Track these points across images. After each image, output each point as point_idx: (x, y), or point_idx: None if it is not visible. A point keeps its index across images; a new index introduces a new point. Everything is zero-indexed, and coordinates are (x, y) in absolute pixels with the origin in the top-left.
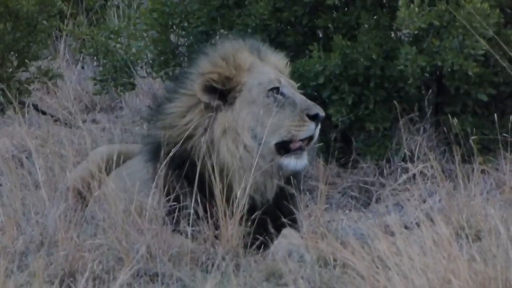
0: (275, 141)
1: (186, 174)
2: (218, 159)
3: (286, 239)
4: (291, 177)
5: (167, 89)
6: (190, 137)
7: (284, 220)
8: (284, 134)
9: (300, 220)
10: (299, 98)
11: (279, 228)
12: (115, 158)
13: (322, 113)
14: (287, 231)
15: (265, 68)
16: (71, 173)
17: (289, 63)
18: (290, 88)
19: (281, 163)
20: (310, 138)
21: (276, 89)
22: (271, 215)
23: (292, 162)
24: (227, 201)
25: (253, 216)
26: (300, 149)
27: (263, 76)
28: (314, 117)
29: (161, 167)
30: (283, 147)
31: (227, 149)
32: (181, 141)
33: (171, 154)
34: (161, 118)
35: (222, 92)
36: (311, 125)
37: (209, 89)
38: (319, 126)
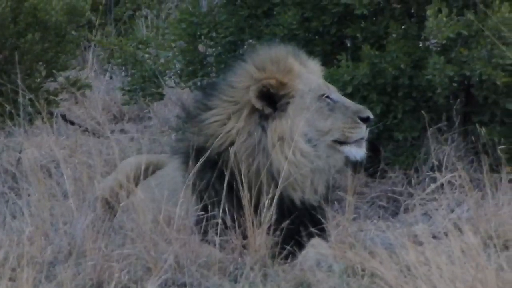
0: (331, 139)
1: (214, 183)
2: (271, 166)
3: (314, 249)
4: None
5: (200, 99)
6: (231, 144)
7: (312, 229)
8: (337, 136)
9: (328, 230)
10: (348, 102)
11: (307, 237)
12: (143, 168)
13: (372, 116)
14: (315, 241)
15: (309, 74)
16: (100, 184)
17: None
18: (336, 93)
19: (342, 151)
20: (361, 139)
21: (325, 95)
22: (299, 224)
23: (353, 150)
24: (255, 210)
25: (281, 226)
26: (362, 140)
27: (312, 82)
28: (365, 119)
29: (189, 176)
30: (339, 143)
31: (283, 157)
32: (223, 148)
33: (201, 161)
34: (201, 127)
35: (273, 99)
36: (363, 127)
37: (264, 96)
38: (369, 128)
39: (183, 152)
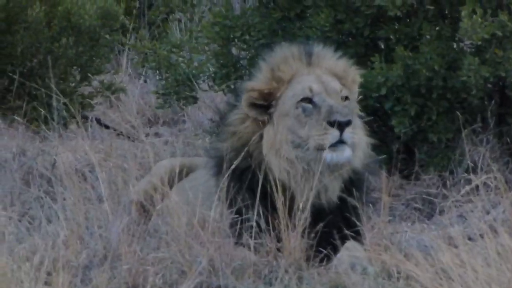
0: (312, 145)
1: (248, 186)
2: (272, 173)
3: (349, 252)
4: (354, 189)
5: (228, 102)
6: (247, 142)
7: (347, 232)
8: (313, 143)
9: (364, 232)
10: (326, 105)
11: (342, 240)
12: (177, 171)
13: (342, 118)
14: (350, 244)
15: (310, 75)
16: (135, 187)
17: (354, 69)
18: (323, 95)
19: (322, 158)
20: (337, 143)
21: (307, 99)
22: (334, 227)
23: (328, 156)
24: (289, 213)
25: (316, 229)
26: (339, 143)
27: (298, 86)
28: (334, 124)
29: (223, 179)
30: (318, 149)
31: (274, 164)
32: (242, 146)
33: (235, 164)
34: (224, 129)
35: (268, 106)
36: (334, 132)
37: (255, 104)
38: (349, 130)
39: (216, 156)
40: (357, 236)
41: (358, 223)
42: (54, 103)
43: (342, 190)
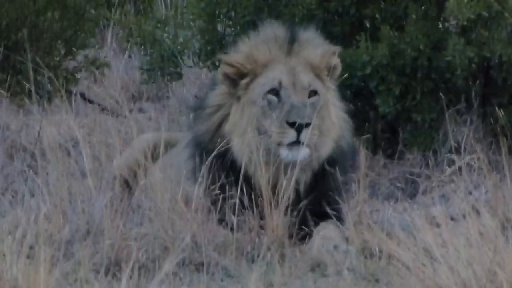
0: (273, 140)
1: (231, 164)
2: (234, 155)
3: (321, 233)
4: (328, 170)
5: (209, 83)
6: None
7: (328, 211)
8: (272, 139)
9: (345, 210)
10: (289, 104)
11: (322, 219)
12: (161, 146)
13: (300, 121)
14: (321, 226)
15: (283, 65)
16: (117, 161)
17: (331, 57)
18: (290, 90)
19: (278, 153)
20: (294, 143)
21: (274, 91)
22: (315, 206)
23: (284, 152)
24: (273, 190)
25: (299, 206)
26: (296, 142)
27: (269, 75)
28: (293, 125)
29: (208, 158)
30: (281, 144)
31: (236, 146)
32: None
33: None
34: (205, 105)
35: (236, 83)
36: (291, 133)
37: (229, 77)
38: (307, 131)
39: (196, 133)
40: (338, 213)
41: (339, 201)
42: (36, 77)
43: (314, 179)
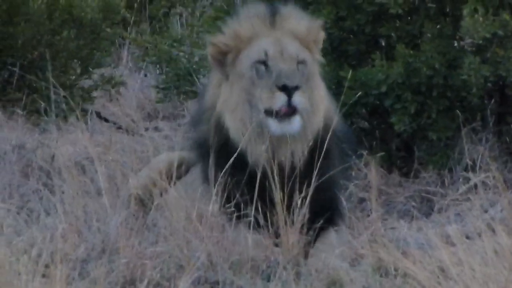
0: (263, 108)
1: (246, 181)
2: (227, 132)
3: (315, 257)
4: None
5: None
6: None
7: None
8: (262, 106)
9: (343, 206)
10: (277, 69)
11: (321, 216)
12: (175, 165)
13: (290, 83)
14: (320, 242)
15: (269, 37)
16: (133, 180)
17: (318, 31)
18: (277, 59)
19: (265, 125)
20: (285, 115)
21: (261, 61)
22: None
23: (273, 125)
24: (288, 208)
25: (315, 225)
26: (286, 114)
27: (255, 48)
28: (283, 88)
29: (223, 171)
30: (269, 114)
31: (229, 122)
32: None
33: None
34: (203, 102)
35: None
36: (280, 96)
37: (217, 59)
38: (298, 94)
39: (198, 137)
40: (339, 216)
41: (339, 195)
42: (53, 96)
43: (310, 153)
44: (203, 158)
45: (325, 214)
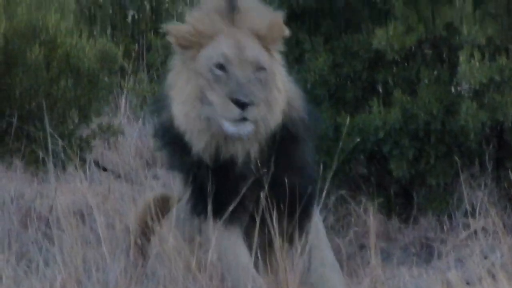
0: (217, 113)
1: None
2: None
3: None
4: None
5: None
6: None
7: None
8: (216, 114)
9: (317, 201)
10: (234, 80)
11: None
12: (158, 198)
13: (245, 99)
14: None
15: (229, 38)
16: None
17: (280, 28)
18: (235, 66)
19: (221, 125)
20: (237, 120)
21: (220, 65)
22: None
23: (227, 125)
24: (216, 162)
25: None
26: (239, 120)
27: (216, 48)
28: (236, 102)
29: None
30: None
31: (176, 112)
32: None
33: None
34: (164, 92)
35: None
36: (234, 110)
37: (182, 45)
38: (252, 109)
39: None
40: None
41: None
42: (51, 147)
43: (268, 153)
44: (168, 147)
45: (303, 195)
